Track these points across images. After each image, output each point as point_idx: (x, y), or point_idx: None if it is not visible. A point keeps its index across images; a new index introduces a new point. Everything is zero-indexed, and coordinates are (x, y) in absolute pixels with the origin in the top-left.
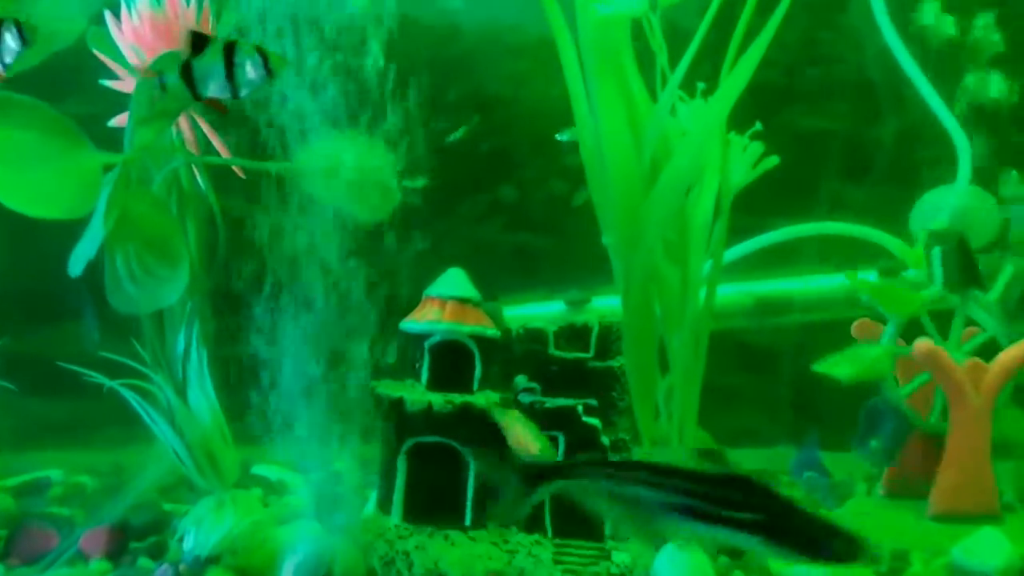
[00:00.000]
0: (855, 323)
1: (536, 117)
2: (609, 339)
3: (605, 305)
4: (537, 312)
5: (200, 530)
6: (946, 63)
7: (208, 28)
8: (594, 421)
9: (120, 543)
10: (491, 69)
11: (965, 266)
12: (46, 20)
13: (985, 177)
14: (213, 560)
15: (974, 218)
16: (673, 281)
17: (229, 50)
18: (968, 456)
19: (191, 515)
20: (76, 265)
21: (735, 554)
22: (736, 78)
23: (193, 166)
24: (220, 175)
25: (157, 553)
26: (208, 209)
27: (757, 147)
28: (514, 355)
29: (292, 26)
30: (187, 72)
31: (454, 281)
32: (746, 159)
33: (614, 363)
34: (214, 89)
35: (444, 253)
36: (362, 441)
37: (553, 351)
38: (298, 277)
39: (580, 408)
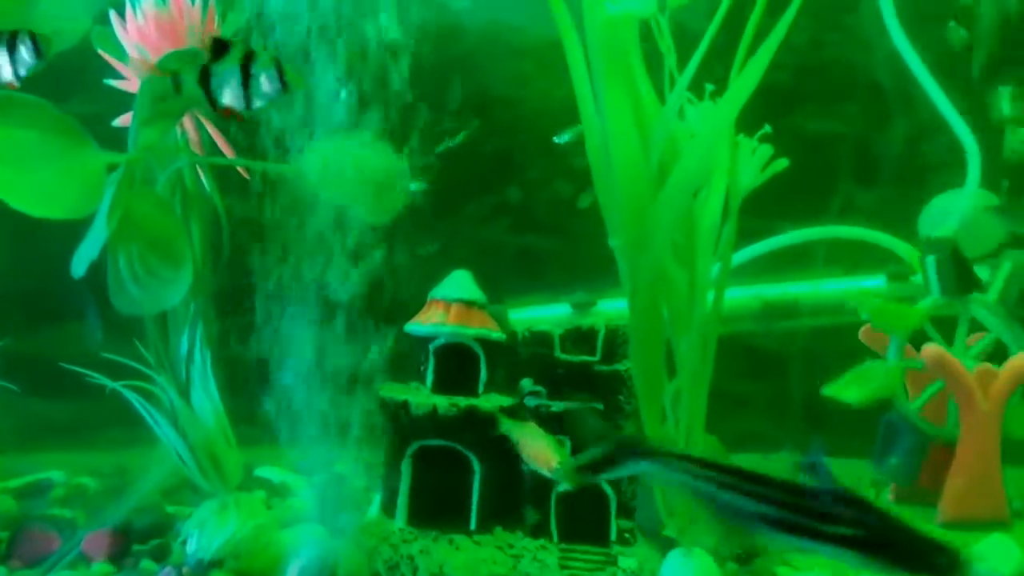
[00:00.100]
0: (863, 328)
1: (542, 118)
2: (615, 342)
3: (611, 308)
4: (543, 315)
5: (203, 533)
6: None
7: (213, 28)
8: None
9: (123, 546)
10: (496, 69)
11: (960, 273)
12: (50, 19)
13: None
14: (216, 563)
15: (983, 222)
16: (681, 284)
17: (247, 60)
18: (977, 462)
19: (194, 518)
20: (79, 266)
21: (744, 559)
22: (745, 80)
23: (197, 166)
24: (224, 175)
25: (160, 556)
26: (212, 210)
27: (766, 150)
28: (519, 358)
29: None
30: (205, 77)
31: (459, 283)
32: (755, 162)
33: (620, 367)
34: (228, 98)
35: (449, 255)
36: (366, 444)
37: (559, 354)
38: (301, 277)
39: None
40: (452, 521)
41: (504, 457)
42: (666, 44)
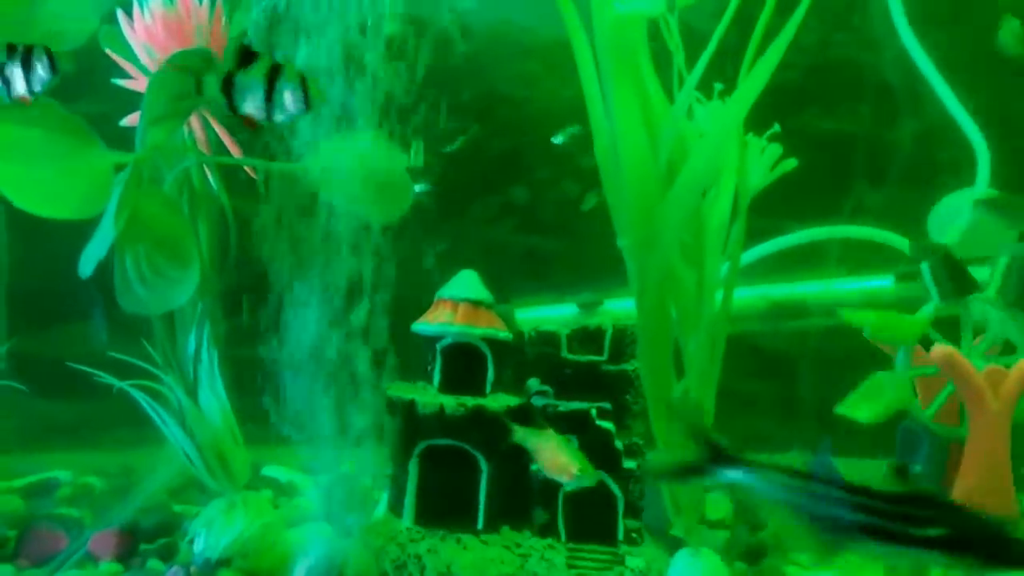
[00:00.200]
0: None
1: (550, 118)
2: (623, 342)
3: (618, 308)
4: (549, 315)
5: (211, 532)
6: None
7: (220, 28)
8: (608, 425)
9: (130, 545)
10: (502, 70)
11: (954, 275)
12: (57, 19)
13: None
14: (224, 563)
15: (990, 223)
16: (689, 284)
17: (273, 73)
18: (986, 462)
19: (201, 517)
20: (86, 265)
21: (752, 558)
22: (754, 80)
23: (205, 166)
24: (232, 175)
25: (167, 555)
26: (219, 209)
27: (775, 149)
28: (526, 358)
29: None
30: (228, 84)
31: (466, 283)
32: (764, 161)
33: (628, 367)
34: (250, 108)
35: (456, 255)
36: (374, 443)
37: (566, 354)
38: (307, 277)
39: (594, 412)
40: (459, 520)
41: (511, 456)
42: (675, 43)
